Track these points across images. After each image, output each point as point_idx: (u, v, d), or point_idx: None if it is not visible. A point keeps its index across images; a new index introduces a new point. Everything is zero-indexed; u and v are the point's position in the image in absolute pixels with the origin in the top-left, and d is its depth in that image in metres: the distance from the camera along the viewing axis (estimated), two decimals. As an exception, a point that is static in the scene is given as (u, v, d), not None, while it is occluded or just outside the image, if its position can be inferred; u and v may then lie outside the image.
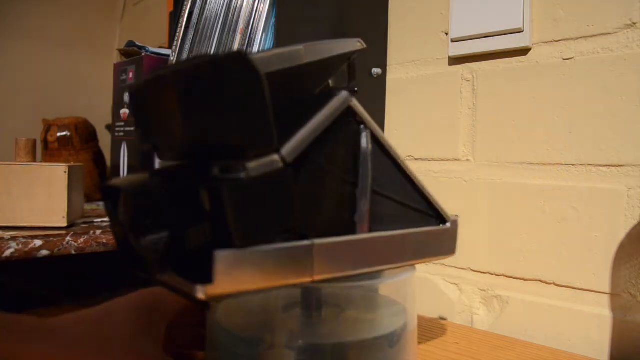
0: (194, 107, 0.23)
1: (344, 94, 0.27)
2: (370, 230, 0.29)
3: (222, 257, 0.22)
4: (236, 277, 0.22)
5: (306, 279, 0.25)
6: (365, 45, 0.30)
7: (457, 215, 0.35)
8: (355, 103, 0.28)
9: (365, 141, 0.28)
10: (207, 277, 0.22)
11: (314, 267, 0.25)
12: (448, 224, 0.35)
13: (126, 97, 0.76)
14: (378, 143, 0.29)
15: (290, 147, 0.24)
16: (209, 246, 0.22)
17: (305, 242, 0.25)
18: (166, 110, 0.25)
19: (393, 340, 0.31)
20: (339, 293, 0.35)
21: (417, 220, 0.33)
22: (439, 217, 0.34)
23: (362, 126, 0.28)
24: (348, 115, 0.28)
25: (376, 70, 0.69)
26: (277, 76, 0.24)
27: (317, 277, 0.25)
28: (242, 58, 0.22)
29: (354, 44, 0.30)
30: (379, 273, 0.32)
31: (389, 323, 0.32)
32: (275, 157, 0.23)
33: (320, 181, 0.27)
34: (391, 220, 0.30)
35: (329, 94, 0.27)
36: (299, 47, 0.26)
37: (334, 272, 0.26)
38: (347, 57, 0.30)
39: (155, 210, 0.23)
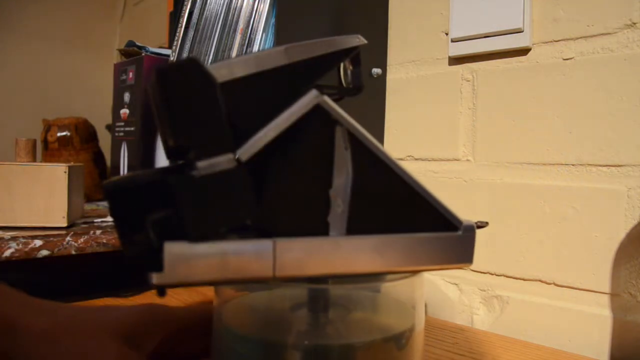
0: (160, 110, 0.25)
1: (313, 92, 0.27)
2: (350, 232, 0.28)
3: (171, 248, 0.24)
4: (187, 268, 0.25)
5: (267, 276, 0.26)
6: (365, 41, 0.30)
7: (476, 222, 0.33)
8: (325, 101, 0.28)
9: (338, 140, 0.28)
10: (159, 266, 0.24)
11: (276, 265, 0.26)
12: (459, 231, 0.32)
13: (126, 97, 0.76)
14: (357, 142, 0.29)
15: (246, 147, 0.26)
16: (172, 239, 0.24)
17: (266, 240, 0.26)
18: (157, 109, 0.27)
19: (401, 341, 0.31)
20: (347, 294, 0.35)
21: (420, 224, 0.31)
22: (445, 222, 0.32)
23: (336, 125, 0.28)
24: (317, 114, 0.28)
25: (376, 70, 0.69)
26: (246, 81, 0.26)
27: (279, 275, 0.26)
28: (195, 66, 0.25)
29: (350, 41, 0.30)
30: (385, 275, 0.32)
31: (396, 324, 0.32)
32: (230, 156, 0.25)
33: (286, 180, 0.27)
34: (382, 222, 0.30)
35: (299, 94, 0.28)
36: (280, 48, 0.28)
37: (300, 271, 0.27)
38: (343, 55, 0.30)
39: (145, 207, 0.25)
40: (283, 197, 0.27)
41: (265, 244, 0.26)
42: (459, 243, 0.32)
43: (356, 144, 0.29)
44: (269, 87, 0.27)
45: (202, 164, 0.25)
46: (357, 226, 0.29)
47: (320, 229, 0.28)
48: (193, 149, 0.25)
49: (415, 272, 0.32)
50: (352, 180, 0.28)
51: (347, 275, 0.29)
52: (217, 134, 0.25)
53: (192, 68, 0.25)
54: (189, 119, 0.25)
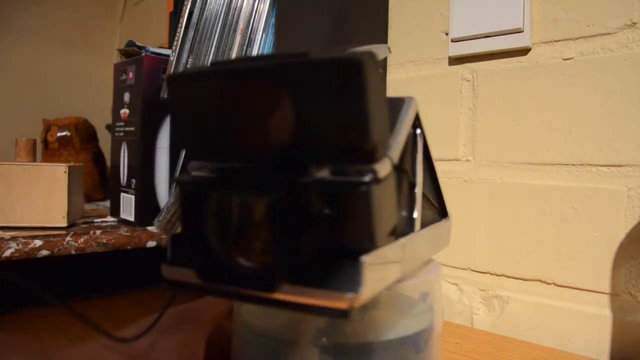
0: (306, 107, 0.23)
1: (414, 100, 0.29)
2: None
3: (368, 263, 0.22)
4: (375, 281, 0.22)
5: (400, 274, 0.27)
6: (391, 52, 0.32)
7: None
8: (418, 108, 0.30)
9: (421, 144, 0.30)
10: (352, 285, 0.21)
11: (404, 263, 0.27)
12: (449, 218, 0.36)
13: (126, 97, 0.76)
14: (425, 144, 0.32)
15: (395, 151, 0.25)
16: (322, 253, 0.22)
17: (401, 240, 0.26)
18: (246, 107, 0.24)
19: (419, 341, 0.32)
20: None
21: (433, 215, 0.34)
22: (444, 211, 0.36)
23: (418, 130, 0.30)
24: (417, 119, 0.30)
25: (376, 70, 0.69)
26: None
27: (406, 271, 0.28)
28: (364, 61, 0.22)
29: (386, 50, 0.31)
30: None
31: (415, 323, 0.33)
32: (388, 160, 0.24)
33: (399, 183, 0.28)
34: (425, 217, 0.32)
35: (396, 99, 0.29)
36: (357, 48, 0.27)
37: (412, 265, 0.30)
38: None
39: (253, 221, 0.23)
40: (398, 198, 0.28)
41: (399, 245, 0.26)
42: (448, 228, 0.36)
43: (426, 144, 0.32)
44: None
45: (379, 167, 0.23)
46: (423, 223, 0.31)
47: (409, 228, 0.29)
48: (371, 150, 0.23)
49: (429, 261, 0.35)
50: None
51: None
52: (385, 133, 0.24)
53: (374, 63, 0.22)
54: (375, 117, 0.22)
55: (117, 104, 0.78)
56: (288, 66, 0.23)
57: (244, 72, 0.24)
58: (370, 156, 0.23)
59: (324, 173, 0.23)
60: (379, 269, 0.23)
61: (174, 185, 0.28)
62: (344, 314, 0.22)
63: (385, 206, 0.23)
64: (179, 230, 0.67)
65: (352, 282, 0.21)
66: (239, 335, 0.34)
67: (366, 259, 0.21)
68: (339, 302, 0.22)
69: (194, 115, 0.26)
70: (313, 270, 0.22)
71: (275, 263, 0.22)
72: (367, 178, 0.22)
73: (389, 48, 0.32)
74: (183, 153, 0.75)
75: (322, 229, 0.22)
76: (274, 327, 0.33)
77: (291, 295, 0.22)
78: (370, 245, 0.22)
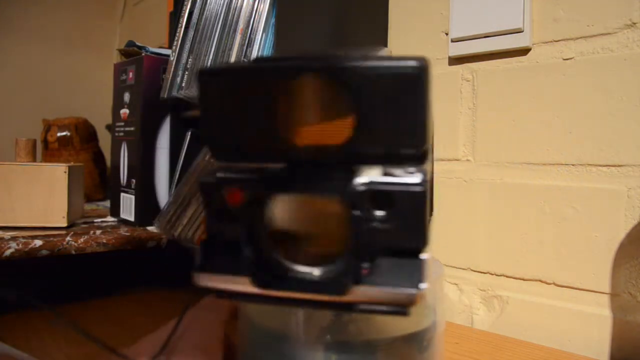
0: (365, 109, 0.23)
1: None
2: None
3: (427, 262, 0.23)
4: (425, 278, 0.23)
5: None
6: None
7: None
8: None
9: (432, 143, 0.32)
10: (414, 282, 0.22)
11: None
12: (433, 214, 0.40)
13: (126, 97, 0.76)
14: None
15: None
16: (381, 253, 0.23)
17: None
18: (299, 107, 0.24)
19: (422, 340, 0.32)
20: None
21: None
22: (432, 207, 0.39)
23: None
24: None
25: (376, 70, 0.69)
26: None
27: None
28: (426, 66, 0.23)
29: (387, 53, 0.33)
30: None
31: (417, 322, 0.33)
32: (430, 161, 0.25)
33: None
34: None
35: None
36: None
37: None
38: None
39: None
40: None
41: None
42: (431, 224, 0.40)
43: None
44: None
45: (427, 167, 0.24)
46: None
47: None
48: (423, 153, 0.24)
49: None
50: None
51: None
52: (428, 138, 0.24)
53: (424, 68, 0.23)
54: (429, 120, 0.24)
55: (117, 104, 0.78)
56: (351, 68, 0.23)
57: (302, 70, 0.23)
58: (421, 158, 0.24)
59: (374, 175, 0.24)
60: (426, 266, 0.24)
61: (200, 187, 0.27)
62: (406, 311, 0.23)
63: (429, 205, 0.24)
64: (179, 230, 0.67)
65: (414, 279, 0.23)
66: (245, 333, 0.34)
67: (426, 256, 0.23)
68: (404, 299, 0.23)
69: (229, 113, 0.25)
70: (375, 271, 0.23)
71: (347, 266, 0.22)
72: (421, 179, 0.23)
73: (390, 51, 0.31)
74: (183, 154, 0.75)
75: (383, 230, 0.23)
76: (279, 325, 0.33)
77: (357, 296, 0.23)
78: (423, 243, 0.23)
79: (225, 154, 0.26)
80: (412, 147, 0.24)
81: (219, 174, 0.25)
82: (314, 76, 0.23)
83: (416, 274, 0.23)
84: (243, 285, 0.24)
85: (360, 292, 0.23)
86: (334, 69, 0.23)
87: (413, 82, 0.23)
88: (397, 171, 0.24)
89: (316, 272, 0.23)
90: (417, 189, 0.23)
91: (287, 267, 0.23)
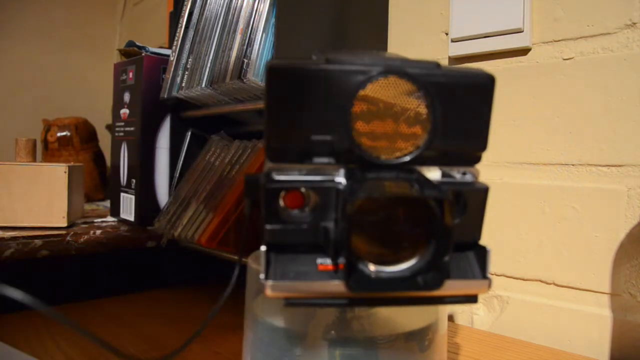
0: (440, 114, 0.25)
1: None
2: None
3: (490, 252, 0.26)
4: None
5: None
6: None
7: None
8: None
9: None
10: (481, 272, 0.25)
11: None
12: None
13: (126, 97, 0.76)
14: None
15: None
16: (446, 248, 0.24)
17: None
18: (380, 108, 0.25)
19: (423, 338, 0.32)
20: None
21: None
22: None
23: None
24: None
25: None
26: None
27: None
28: (495, 78, 0.26)
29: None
30: None
31: (418, 320, 0.33)
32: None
33: None
34: None
35: None
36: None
37: None
38: None
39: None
40: None
41: None
42: None
43: None
44: None
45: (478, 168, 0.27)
46: None
47: None
48: (480, 154, 0.27)
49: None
50: None
51: None
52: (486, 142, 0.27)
53: (492, 80, 0.26)
54: (480, 126, 0.26)
55: (117, 104, 0.78)
56: (431, 74, 0.25)
57: (385, 72, 0.24)
58: (477, 159, 0.27)
59: (435, 175, 0.26)
60: None
61: (266, 192, 0.25)
62: (475, 299, 0.25)
63: None
64: (179, 230, 0.67)
65: (482, 269, 0.25)
66: (251, 329, 0.34)
67: (489, 249, 0.25)
68: (478, 289, 0.25)
69: (298, 112, 0.24)
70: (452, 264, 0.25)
71: (438, 261, 0.24)
72: (479, 178, 0.26)
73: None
74: (183, 154, 0.75)
75: (457, 226, 0.25)
76: (285, 322, 0.33)
77: (445, 289, 0.24)
78: (479, 236, 0.26)
79: (286, 154, 0.25)
80: (477, 149, 0.26)
81: (281, 177, 0.24)
82: (396, 79, 0.24)
83: (484, 264, 0.25)
84: (328, 290, 0.24)
85: (448, 285, 0.24)
86: (416, 74, 0.24)
87: (484, 91, 0.26)
88: (453, 171, 0.26)
89: (405, 270, 0.24)
90: (484, 188, 0.25)
91: (378, 268, 0.24)
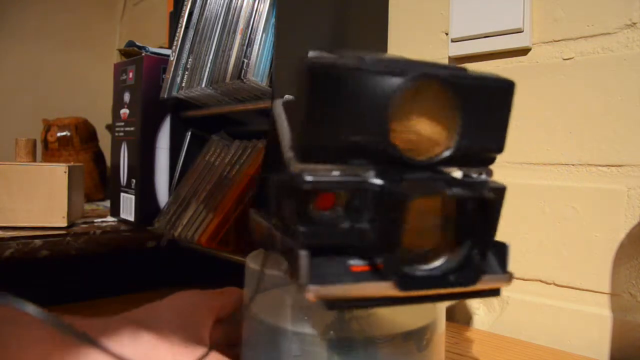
0: (467, 116, 0.26)
1: None
2: None
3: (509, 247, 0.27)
4: None
5: None
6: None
7: None
8: None
9: None
10: (502, 267, 0.27)
11: None
12: None
13: (126, 97, 0.76)
14: None
15: None
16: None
17: None
18: (415, 111, 0.25)
19: (421, 337, 0.32)
20: None
21: None
22: None
23: None
24: None
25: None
26: None
27: None
28: (514, 83, 0.27)
29: None
30: None
31: (416, 320, 0.33)
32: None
33: None
34: None
35: None
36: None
37: None
38: None
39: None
40: None
41: None
42: None
43: None
44: None
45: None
46: None
47: None
48: (496, 156, 0.28)
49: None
50: None
51: None
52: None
53: (512, 86, 0.27)
54: (502, 128, 0.28)
55: (117, 104, 0.78)
56: (462, 78, 0.26)
57: (422, 75, 0.24)
58: (492, 160, 0.28)
59: (458, 176, 0.27)
60: None
61: (304, 193, 0.25)
62: (499, 292, 0.27)
63: None
64: (179, 230, 0.67)
65: (502, 264, 0.27)
66: (250, 328, 0.34)
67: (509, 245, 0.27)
68: (502, 283, 0.26)
69: (340, 112, 0.24)
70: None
71: (474, 258, 0.26)
72: (494, 179, 0.27)
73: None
74: (183, 154, 0.75)
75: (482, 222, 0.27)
76: (283, 322, 0.33)
77: (480, 285, 0.26)
78: (495, 235, 0.27)
79: (319, 154, 0.25)
80: (495, 151, 0.28)
81: (316, 178, 0.24)
82: (431, 83, 0.25)
83: (504, 259, 0.27)
84: (373, 291, 0.24)
85: (481, 280, 0.26)
86: (448, 78, 0.25)
87: (505, 95, 0.27)
88: (471, 172, 0.27)
89: (438, 268, 0.25)
90: (503, 187, 0.27)
91: (418, 267, 0.25)
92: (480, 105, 0.26)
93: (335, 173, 0.25)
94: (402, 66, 0.24)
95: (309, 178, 0.24)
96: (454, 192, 0.24)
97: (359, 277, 0.24)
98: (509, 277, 0.27)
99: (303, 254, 0.24)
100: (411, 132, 0.25)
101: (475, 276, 0.25)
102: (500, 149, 0.28)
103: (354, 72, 0.24)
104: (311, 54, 0.25)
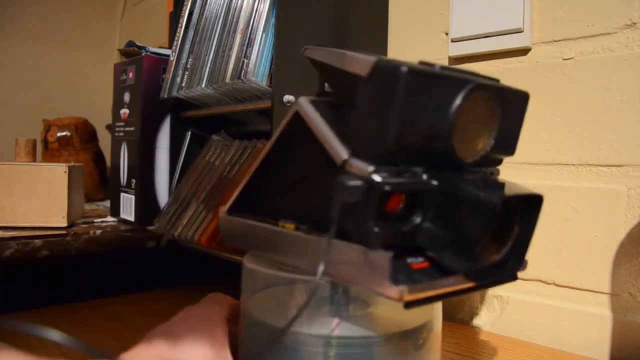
0: (502, 122, 0.29)
1: None
2: None
3: None
4: None
5: None
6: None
7: None
8: None
9: None
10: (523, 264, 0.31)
11: None
12: None
13: (126, 97, 0.76)
14: None
15: None
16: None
17: None
18: (470, 117, 0.28)
19: (417, 337, 0.33)
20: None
21: None
22: None
23: None
24: None
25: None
26: None
27: None
28: (529, 94, 0.32)
29: None
30: None
31: (412, 319, 0.33)
32: None
33: None
34: None
35: None
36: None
37: None
38: None
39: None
40: None
41: None
42: None
43: None
44: None
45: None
46: None
47: None
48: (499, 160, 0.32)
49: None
50: None
51: None
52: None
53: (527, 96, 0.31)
54: (517, 132, 0.32)
55: (117, 104, 0.78)
56: (501, 88, 0.30)
57: (479, 85, 0.27)
58: (501, 161, 0.32)
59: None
60: None
61: (381, 195, 0.27)
62: (516, 277, 0.32)
63: None
64: (179, 230, 0.67)
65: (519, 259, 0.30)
66: (247, 329, 0.34)
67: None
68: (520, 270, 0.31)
69: (417, 116, 0.26)
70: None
71: (517, 252, 0.30)
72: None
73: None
74: (183, 154, 0.75)
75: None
76: (280, 321, 0.33)
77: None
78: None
79: (390, 156, 0.26)
80: (509, 153, 0.31)
81: (388, 180, 0.25)
82: (484, 92, 0.28)
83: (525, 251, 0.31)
84: (454, 284, 0.27)
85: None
86: (495, 88, 0.29)
87: (523, 104, 0.31)
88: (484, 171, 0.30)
89: (494, 259, 0.29)
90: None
91: (490, 260, 0.28)
92: (509, 112, 0.29)
93: (395, 175, 0.26)
94: (465, 76, 0.28)
95: (382, 180, 0.25)
96: (522, 192, 0.28)
97: (438, 274, 0.26)
98: (526, 265, 0.32)
99: (386, 256, 0.24)
100: (465, 135, 0.28)
101: (520, 265, 0.30)
102: (513, 151, 0.31)
103: (437, 79, 0.26)
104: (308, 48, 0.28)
